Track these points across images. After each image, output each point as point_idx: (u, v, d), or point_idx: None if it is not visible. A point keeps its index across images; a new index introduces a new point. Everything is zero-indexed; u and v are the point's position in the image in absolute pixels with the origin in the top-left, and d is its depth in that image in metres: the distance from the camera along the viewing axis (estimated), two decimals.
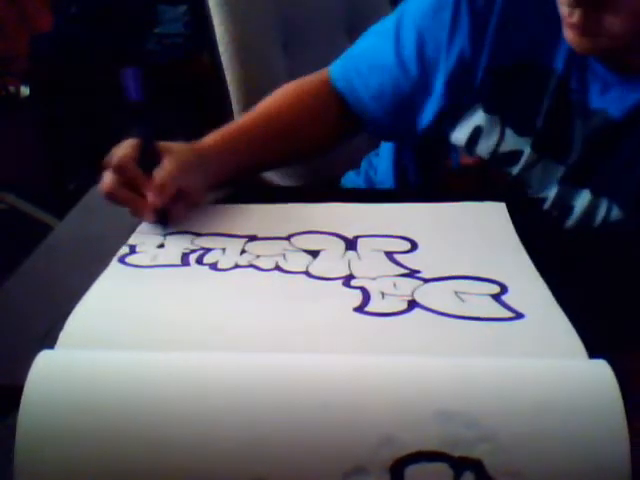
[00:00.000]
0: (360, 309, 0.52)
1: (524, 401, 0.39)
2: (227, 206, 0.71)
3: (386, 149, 0.95)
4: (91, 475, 0.37)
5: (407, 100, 0.81)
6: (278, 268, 0.59)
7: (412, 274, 0.58)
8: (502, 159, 0.78)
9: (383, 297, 0.54)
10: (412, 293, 0.54)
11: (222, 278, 0.57)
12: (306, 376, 0.40)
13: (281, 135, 0.80)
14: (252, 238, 0.65)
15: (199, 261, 0.60)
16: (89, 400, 0.38)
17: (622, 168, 0.72)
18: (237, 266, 0.59)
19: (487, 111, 0.78)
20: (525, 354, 0.48)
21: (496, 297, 0.54)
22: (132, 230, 0.66)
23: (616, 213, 0.73)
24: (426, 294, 0.54)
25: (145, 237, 0.65)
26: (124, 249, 0.62)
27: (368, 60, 0.83)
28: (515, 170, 0.78)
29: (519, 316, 0.52)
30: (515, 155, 0.78)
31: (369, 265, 0.59)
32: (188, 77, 2.22)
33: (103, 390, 0.39)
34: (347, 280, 0.57)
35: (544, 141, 0.76)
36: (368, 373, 0.40)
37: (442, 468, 0.37)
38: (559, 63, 0.73)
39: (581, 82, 0.73)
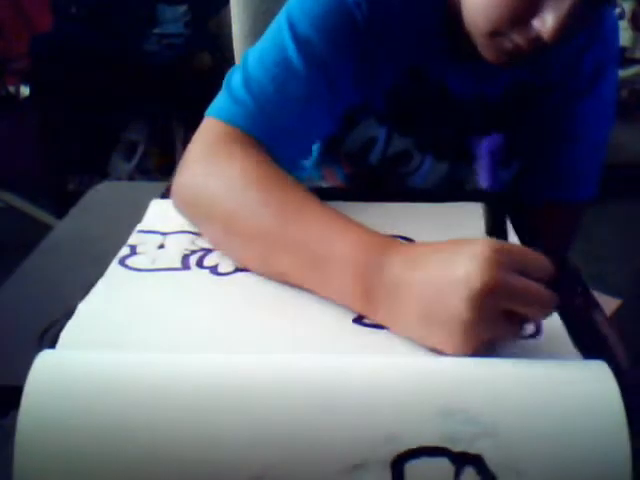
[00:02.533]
0: (359, 320, 0.52)
1: (524, 398, 0.39)
2: None
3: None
4: (92, 475, 0.37)
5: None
6: None
7: None
8: (391, 161, 0.81)
9: None
10: None
11: (223, 283, 0.57)
12: (306, 374, 0.40)
13: None
14: None
15: (200, 264, 0.60)
16: (89, 400, 0.38)
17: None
18: (237, 269, 0.59)
19: (380, 122, 0.79)
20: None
21: None
22: (132, 229, 0.66)
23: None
24: None
25: (146, 237, 0.65)
26: (124, 250, 0.62)
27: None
28: (405, 171, 0.82)
29: None
30: (404, 156, 0.81)
31: None
32: (188, 77, 2.23)
33: (103, 390, 0.39)
34: None
35: (427, 140, 0.80)
36: (368, 371, 0.41)
37: (443, 463, 0.37)
38: (434, 66, 0.76)
39: (455, 79, 0.77)
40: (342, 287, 0.50)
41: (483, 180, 0.56)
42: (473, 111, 0.80)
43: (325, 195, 0.57)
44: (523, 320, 0.45)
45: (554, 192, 0.85)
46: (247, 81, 0.67)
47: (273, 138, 0.64)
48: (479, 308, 0.42)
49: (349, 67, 0.70)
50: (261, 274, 0.56)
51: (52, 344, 0.47)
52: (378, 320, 0.49)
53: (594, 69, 0.81)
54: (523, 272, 0.44)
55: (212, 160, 0.61)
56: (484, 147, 0.62)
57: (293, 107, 0.66)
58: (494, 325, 0.43)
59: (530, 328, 0.48)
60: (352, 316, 0.52)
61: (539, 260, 0.45)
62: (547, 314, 0.45)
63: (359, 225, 0.52)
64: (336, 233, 0.51)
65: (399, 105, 0.78)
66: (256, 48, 0.70)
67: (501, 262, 0.43)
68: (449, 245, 0.47)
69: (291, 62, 0.67)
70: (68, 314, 0.50)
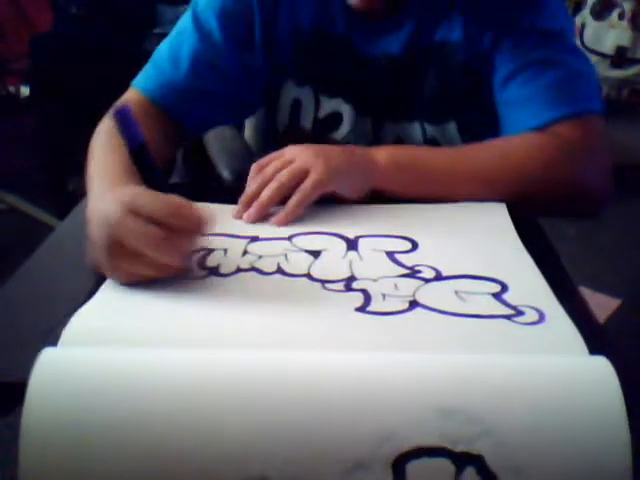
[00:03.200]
0: (362, 309, 0.52)
1: (524, 397, 0.39)
2: (229, 206, 0.71)
3: None
4: (96, 472, 0.37)
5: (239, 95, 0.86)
6: (280, 270, 0.59)
7: (413, 274, 0.58)
8: (324, 124, 0.87)
9: (384, 298, 0.54)
10: (413, 294, 0.55)
11: (224, 283, 0.57)
12: (307, 373, 0.40)
13: None
14: (254, 239, 0.65)
15: (201, 264, 0.60)
16: (93, 397, 0.38)
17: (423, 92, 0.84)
18: (239, 270, 0.59)
19: (299, 84, 0.87)
20: (525, 350, 0.48)
21: (497, 296, 0.54)
22: None
23: (430, 130, 0.84)
24: (427, 294, 0.55)
25: None
26: None
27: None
28: (340, 134, 0.87)
29: (519, 313, 0.52)
30: (335, 118, 0.87)
31: (370, 265, 0.60)
32: None
33: (106, 387, 0.39)
34: (349, 282, 0.57)
35: (354, 97, 0.86)
36: (369, 370, 0.41)
37: (443, 463, 0.37)
38: (340, 25, 0.83)
39: (360, 37, 0.83)
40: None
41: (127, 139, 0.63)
42: (381, 70, 0.84)
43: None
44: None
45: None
46: (154, 54, 0.85)
47: (164, 97, 0.82)
48: (109, 244, 0.53)
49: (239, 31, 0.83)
50: None
51: (53, 343, 0.47)
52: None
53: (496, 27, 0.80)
54: (150, 218, 0.53)
55: (105, 123, 0.79)
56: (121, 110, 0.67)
57: (181, 65, 0.82)
58: (129, 262, 0.54)
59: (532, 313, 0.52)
60: (354, 306, 0.52)
61: (164, 205, 0.54)
62: (168, 258, 0.54)
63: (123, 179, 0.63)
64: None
65: (309, 64, 0.85)
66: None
67: (128, 206, 0.53)
68: (120, 189, 0.58)
69: (185, 30, 0.83)
70: (69, 313, 0.50)
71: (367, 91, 0.86)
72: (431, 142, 0.86)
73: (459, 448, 0.37)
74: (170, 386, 0.39)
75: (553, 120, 0.76)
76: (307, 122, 0.89)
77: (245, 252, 0.62)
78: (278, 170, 0.70)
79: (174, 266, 0.55)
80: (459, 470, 0.37)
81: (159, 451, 0.37)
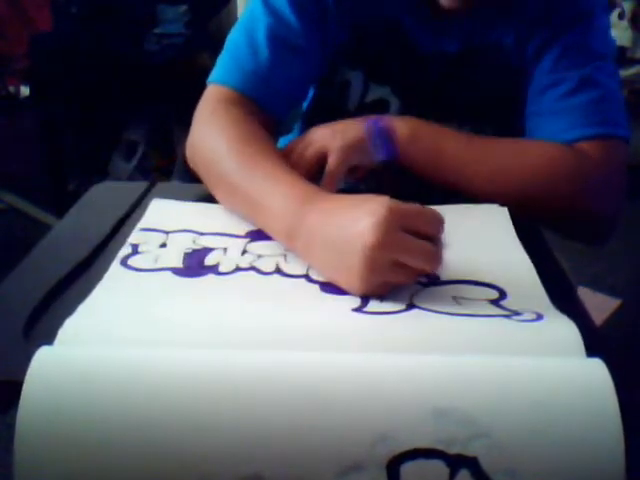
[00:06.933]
0: (359, 309, 0.52)
1: (519, 398, 0.39)
2: None
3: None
4: (92, 471, 0.37)
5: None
6: (278, 271, 0.59)
7: None
8: (369, 109, 0.86)
9: (382, 301, 0.54)
10: (410, 298, 0.54)
11: (223, 282, 0.57)
12: (302, 374, 0.40)
13: None
14: (253, 238, 0.65)
15: (200, 263, 0.60)
16: (88, 397, 0.39)
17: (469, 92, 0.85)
18: (238, 269, 0.59)
19: (351, 66, 0.87)
20: (523, 348, 0.47)
21: (495, 302, 0.54)
22: (132, 229, 0.66)
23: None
24: (425, 298, 0.54)
25: (147, 235, 0.65)
26: (126, 249, 0.62)
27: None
28: None
29: (517, 314, 0.52)
30: (382, 104, 0.87)
31: None
32: (188, 77, 2.22)
33: (103, 386, 0.39)
34: None
35: (402, 89, 0.87)
36: (365, 371, 0.41)
37: (438, 465, 0.37)
38: (402, 16, 0.83)
39: (419, 31, 0.83)
40: (275, 229, 0.62)
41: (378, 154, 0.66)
42: (434, 66, 0.84)
43: None
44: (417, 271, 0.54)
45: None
46: (227, 43, 0.83)
47: (251, 87, 0.79)
48: (370, 259, 0.52)
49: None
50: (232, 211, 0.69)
51: (49, 342, 0.46)
52: (300, 257, 0.59)
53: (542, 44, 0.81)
54: (413, 229, 0.53)
55: (204, 121, 0.77)
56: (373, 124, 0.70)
57: (260, 52, 0.80)
58: (385, 273, 0.53)
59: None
60: (351, 307, 0.52)
61: (429, 218, 0.55)
62: (434, 267, 0.54)
63: (296, 179, 0.63)
64: (275, 186, 0.62)
65: (364, 49, 0.85)
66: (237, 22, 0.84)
67: (394, 221, 0.52)
68: (355, 201, 0.56)
69: (255, 16, 0.81)
70: (67, 312, 0.50)
71: (416, 85, 0.86)
72: None
73: (454, 450, 0.37)
74: (165, 385, 0.39)
75: (583, 137, 0.76)
76: (353, 105, 0.89)
77: (244, 251, 0.62)
78: (301, 156, 0.73)
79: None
80: (453, 472, 0.37)
81: (154, 450, 0.37)
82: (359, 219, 0.53)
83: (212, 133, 0.73)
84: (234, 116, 0.74)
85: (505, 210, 0.70)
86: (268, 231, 0.63)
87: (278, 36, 0.80)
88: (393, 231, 0.52)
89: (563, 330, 0.49)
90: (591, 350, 0.46)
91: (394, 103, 0.87)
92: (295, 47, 0.81)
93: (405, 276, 0.54)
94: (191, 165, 0.76)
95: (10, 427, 0.38)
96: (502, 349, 0.46)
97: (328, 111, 0.90)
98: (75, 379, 0.39)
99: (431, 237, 0.54)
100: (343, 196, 0.59)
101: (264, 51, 0.79)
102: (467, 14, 0.81)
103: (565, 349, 0.47)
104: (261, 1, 0.81)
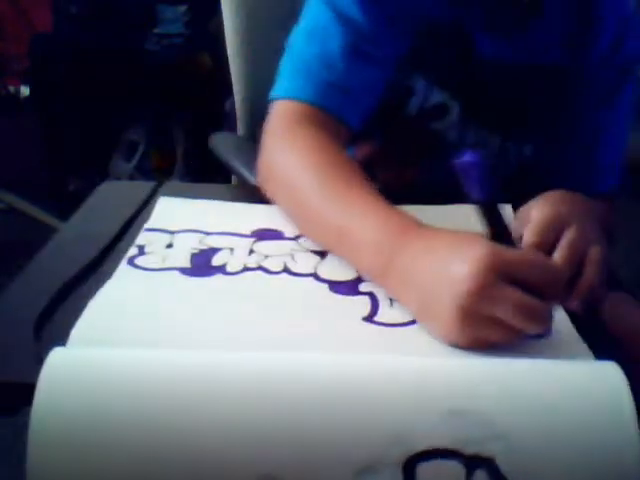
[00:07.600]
0: (369, 319, 0.52)
1: (536, 400, 0.39)
2: (236, 205, 0.71)
3: None
4: (105, 472, 0.37)
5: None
6: (286, 270, 0.59)
7: None
8: (429, 114, 0.84)
9: (392, 304, 0.54)
10: None
11: (231, 282, 0.57)
12: (318, 375, 0.40)
13: None
14: (260, 238, 0.64)
15: (208, 263, 0.60)
16: (101, 398, 0.39)
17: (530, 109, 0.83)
18: (245, 269, 0.59)
19: (413, 69, 0.84)
20: (530, 352, 0.47)
21: None
22: (138, 229, 0.66)
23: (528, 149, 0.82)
24: None
25: (153, 235, 0.64)
26: (133, 250, 0.61)
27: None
28: (441, 125, 0.85)
29: None
30: (441, 109, 0.84)
31: None
32: (188, 77, 2.22)
33: (116, 387, 0.39)
34: (355, 284, 0.57)
35: (463, 95, 0.84)
36: (381, 372, 0.41)
37: (454, 466, 0.37)
38: (471, 22, 0.80)
39: (485, 38, 0.81)
40: (365, 265, 0.56)
41: (474, 193, 0.57)
42: (496, 75, 0.82)
43: None
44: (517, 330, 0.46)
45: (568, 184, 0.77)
46: (290, 55, 0.77)
47: (328, 100, 0.74)
48: (463, 309, 0.45)
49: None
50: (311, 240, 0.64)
51: (59, 344, 0.46)
52: (392, 297, 0.54)
53: (623, 67, 0.82)
54: (520, 282, 0.45)
55: (279, 140, 0.71)
56: (467, 161, 0.63)
57: (335, 63, 0.75)
58: (479, 328, 0.46)
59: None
60: (361, 315, 0.52)
61: (542, 271, 0.47)
62: (539, 328, 0.46)
63: (388, 209, 0.58)
64: (365, 219, 0.57)
65: (429, 52, 0.82)
66: (296, 29, 0.78)
67: (494, 269, 0.45)
68: (457, 240, 0.50)
69: (324, 26, 0.76)
70: (75, 315, 0.50)
71: (476, 94, 0.84)
72: (500, 155, 0.85)
73: (470, 450, 0.37)
74: (180, 386, 0.39)
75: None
76: (414, 110, 0.86)
77: (251, 251, 0.62)
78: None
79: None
80: (470, 473, 0.37)
81: (170, 451, 0.37)
82: (457, 262, 0.47)
83: (292, 157, 0.68)
84: (313, 135, 0.69)
85: (509, 207, 0.69)
86: (355, 266, 0.58)
87: (353, 45, 0.75)
88: (491, 280, 0.45)
89: (567, 338, 0.49)
90: (602, 351, 0.46)
91: (454, 108, 0.85)
92: (370, 55, 0.77)
93: (502, 334, 0.46)
94: (262, 185, 0.71)
95: (18, 428, 0.38)
96: (508, 354, 0.46)
97: (388, 115, 0.87)
98: (90, 381, 0.39)
99: (543, 292, 0.46)
100: (441, 233, 0.54)
101: (339, 61, 0.75)
102: (532, 27, 0.80)
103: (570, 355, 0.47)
104: (329, 9, 0.76)
